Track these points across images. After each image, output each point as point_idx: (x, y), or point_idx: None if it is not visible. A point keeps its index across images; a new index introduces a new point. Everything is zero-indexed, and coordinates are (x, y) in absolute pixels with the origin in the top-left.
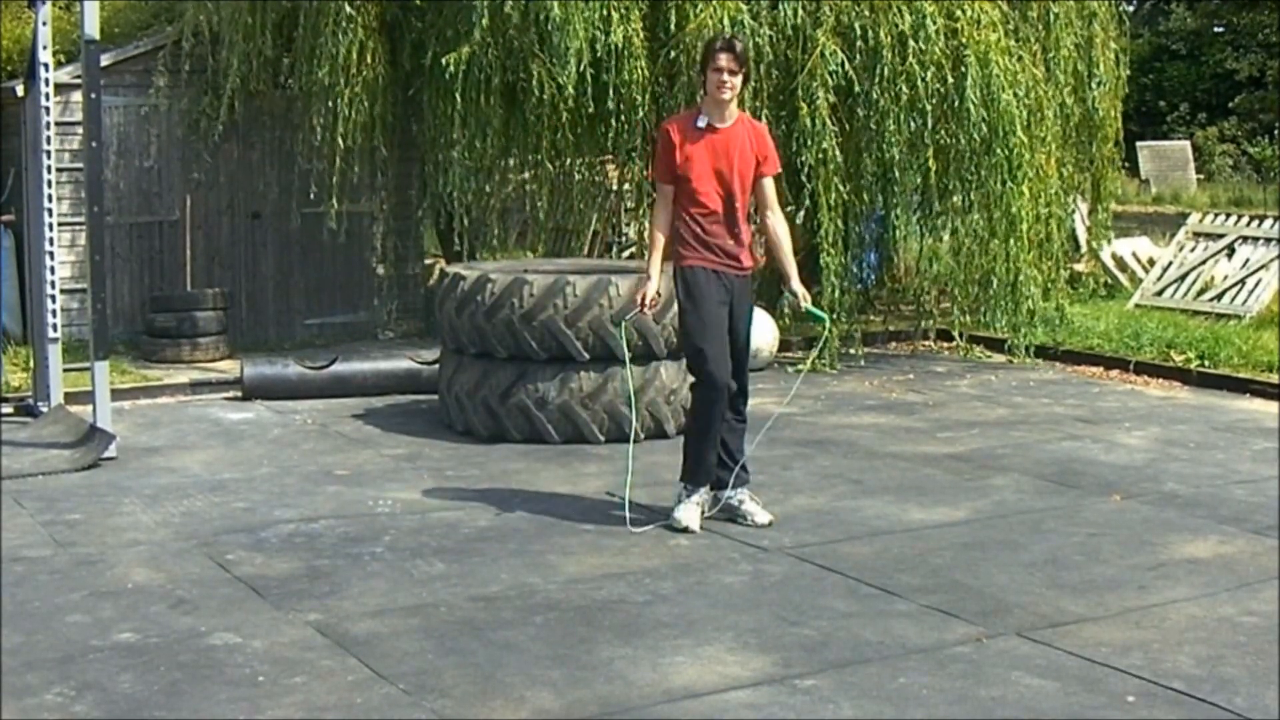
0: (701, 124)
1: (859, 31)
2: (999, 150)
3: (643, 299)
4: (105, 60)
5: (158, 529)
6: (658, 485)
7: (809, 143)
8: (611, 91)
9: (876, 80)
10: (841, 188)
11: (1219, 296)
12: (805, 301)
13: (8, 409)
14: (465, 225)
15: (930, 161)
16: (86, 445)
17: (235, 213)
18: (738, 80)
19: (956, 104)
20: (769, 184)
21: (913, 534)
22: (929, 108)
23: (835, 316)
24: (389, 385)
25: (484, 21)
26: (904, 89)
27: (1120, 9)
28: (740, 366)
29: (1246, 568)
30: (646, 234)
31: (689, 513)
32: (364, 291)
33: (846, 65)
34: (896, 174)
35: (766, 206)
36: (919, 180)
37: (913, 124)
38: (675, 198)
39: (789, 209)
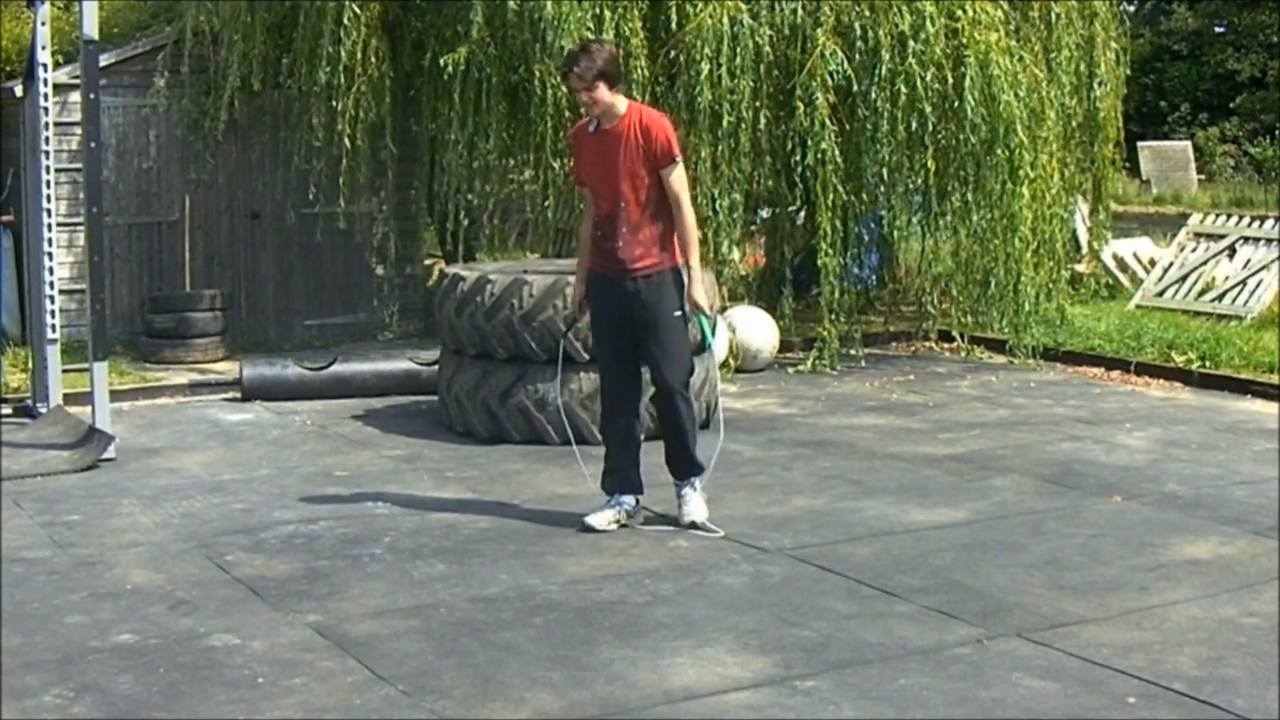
0: (591, 128)
1: (859, 31)
2: (999, 151)
3: (574, 302)
4: (104, 60)
5: (157, 530)
6: (657, 486)
7: (808, 143)
8: None
9: (876, 80)
10: (841, 188)
11: (1220, 297)
12: (702, 315)
13: (7, 410)
14: (464, 225)
15: (930, 162)
16: (85, 446)
17: (235, 213)
18: (598, 93)
19: (956, 104)
20: (666, 174)
21: (913, 535)
22: (928, 108)
23: (834, 317)
24: (389, 386)
25: (480, 21)
26: (903, 89)
27: (1121, 9)
28: (657, 366)
29: (1247, 569)
30: None
31: (598, 516)
32: (364, 292)
33: (846, 65)
34: (890, 174)
35: (670, 201)
36: (919, 180)
37: (912, 124)
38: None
39: (790, 209)
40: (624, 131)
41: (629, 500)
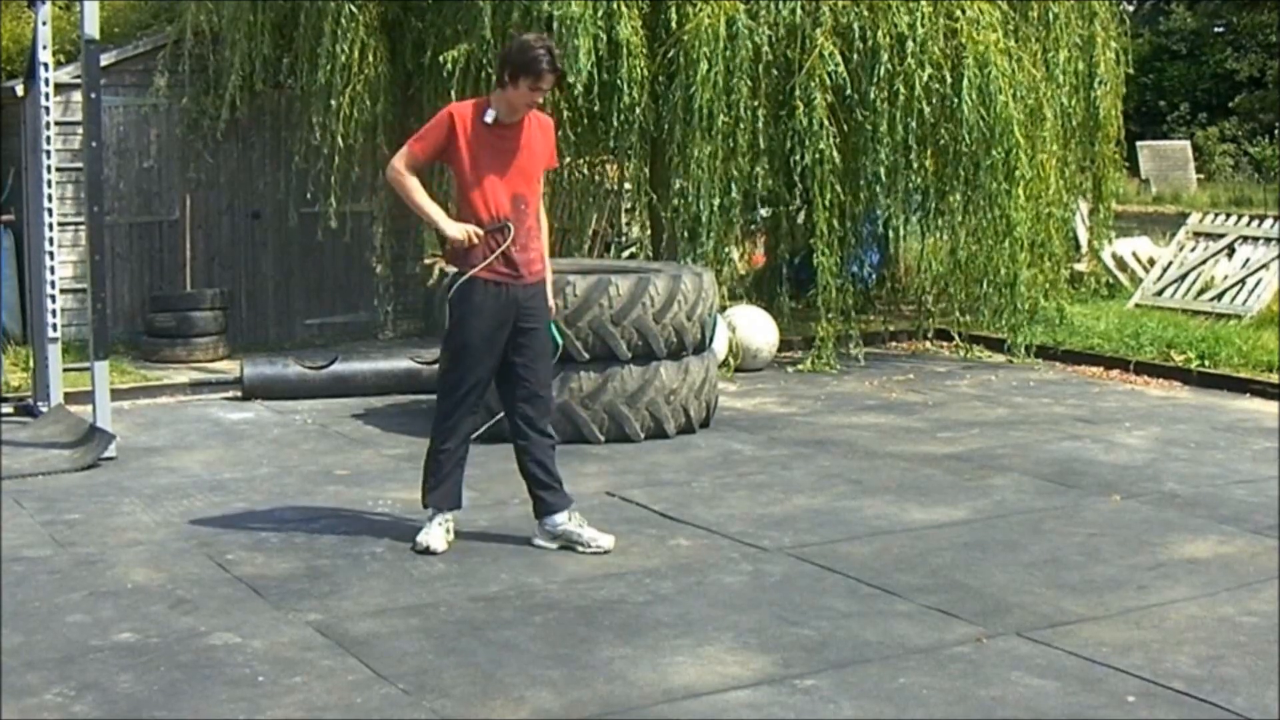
0: (489, 118)
1: (857, 32)
2: (996, 151)
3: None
4: (105, 60)
5: (158, 529)
6: (658, 485)
7: (806, 142)
8: (612, 90)
9: (874, 80)
10: (839, 188)
11: (1219, 296)
12: (551, 321)
13: (8, 409)
14: None
15: (928, 162)
16: (86, 445)
17: (235, 213)
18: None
19: (954, 105)
20: (542, 176)
21: (913, 534)
22: (927, 109)
23: (831, 316)
24: (389, 385)
25: (488, 20)
26: (901, 89)
27: (1120, 8)
28: (537, 384)
29: (1246, 567)
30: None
31: (433, 535)
32: (364, 291)
33: (844, 65)
34: (888, 174)
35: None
36: (918, 180)
37: (910, 124)
38: (461, 201)
39: (789, 208)
40: (525, 130)
41: (447, 516)
